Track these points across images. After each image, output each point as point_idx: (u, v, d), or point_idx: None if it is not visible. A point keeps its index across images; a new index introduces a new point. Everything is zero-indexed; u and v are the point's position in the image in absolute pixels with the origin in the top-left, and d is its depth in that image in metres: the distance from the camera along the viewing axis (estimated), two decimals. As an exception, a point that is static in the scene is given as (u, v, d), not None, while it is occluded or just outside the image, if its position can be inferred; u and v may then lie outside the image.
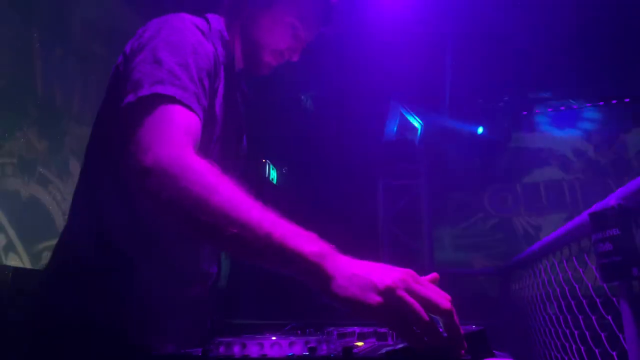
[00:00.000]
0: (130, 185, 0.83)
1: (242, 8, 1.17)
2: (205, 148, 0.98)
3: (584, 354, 1.59)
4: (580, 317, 1.65)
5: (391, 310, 0.66)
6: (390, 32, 3.96)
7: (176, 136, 0.84)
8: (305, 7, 1.17)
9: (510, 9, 3.71)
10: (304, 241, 0.73)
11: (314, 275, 0.71)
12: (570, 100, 5.04)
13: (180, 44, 0.95)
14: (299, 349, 0.76)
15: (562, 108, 5.14)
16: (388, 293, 0.66)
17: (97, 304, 0.91)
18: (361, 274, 0.69)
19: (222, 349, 0.76)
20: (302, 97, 4.76)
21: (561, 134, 5.24)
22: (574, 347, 1.70)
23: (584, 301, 1.59)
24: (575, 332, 1.66)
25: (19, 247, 2.43)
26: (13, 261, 2.36)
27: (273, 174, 5.27)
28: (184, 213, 0.77)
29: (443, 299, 0.67)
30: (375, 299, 0.67)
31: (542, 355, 2.22)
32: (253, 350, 0.75)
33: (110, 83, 1.06)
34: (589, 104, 5.04)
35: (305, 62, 1.34)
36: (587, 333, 1.57)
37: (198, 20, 1.07)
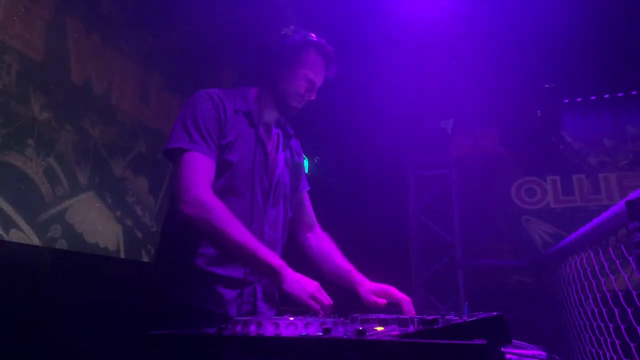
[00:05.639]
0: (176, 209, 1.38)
1: (265, 75, 1.62)
2: (241, 162, 1.51)
3: (618, 347, 1.53)
4: (616, 310, 1.59)
5: (309, 301, 1.25)
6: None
7: (202, 181, 1.40)
8: (311, 60, 1.60)
9: None
10: (273, 257, 1.31)
11: (276, 277, 1.29)
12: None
13: (196, 113, 1.49)
14: (314, 329, 0.76)
15: (593, 98, 4.90)
16: (310, 294, 1.26)
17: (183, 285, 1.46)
18: (300, 282, 1.27)
19: (239, 328, 0.78)
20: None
21: (597, 125, 4.99)
22: (608, 340, 1.64)
23: (619, 293, 1.53)
24: (610, 326, 1.60)
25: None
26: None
27: (305, 164, 5.28)
28: (210, 234, 1.36)
29: (327, 300, 1.27)
30: (305, 296, 1.25)
31: (577, 349, 2.16)
32: (269, 329, 0.76)
33: None
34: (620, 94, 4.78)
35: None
36: (622, 327, 1.51)
37: (215, 92, 1.55)
